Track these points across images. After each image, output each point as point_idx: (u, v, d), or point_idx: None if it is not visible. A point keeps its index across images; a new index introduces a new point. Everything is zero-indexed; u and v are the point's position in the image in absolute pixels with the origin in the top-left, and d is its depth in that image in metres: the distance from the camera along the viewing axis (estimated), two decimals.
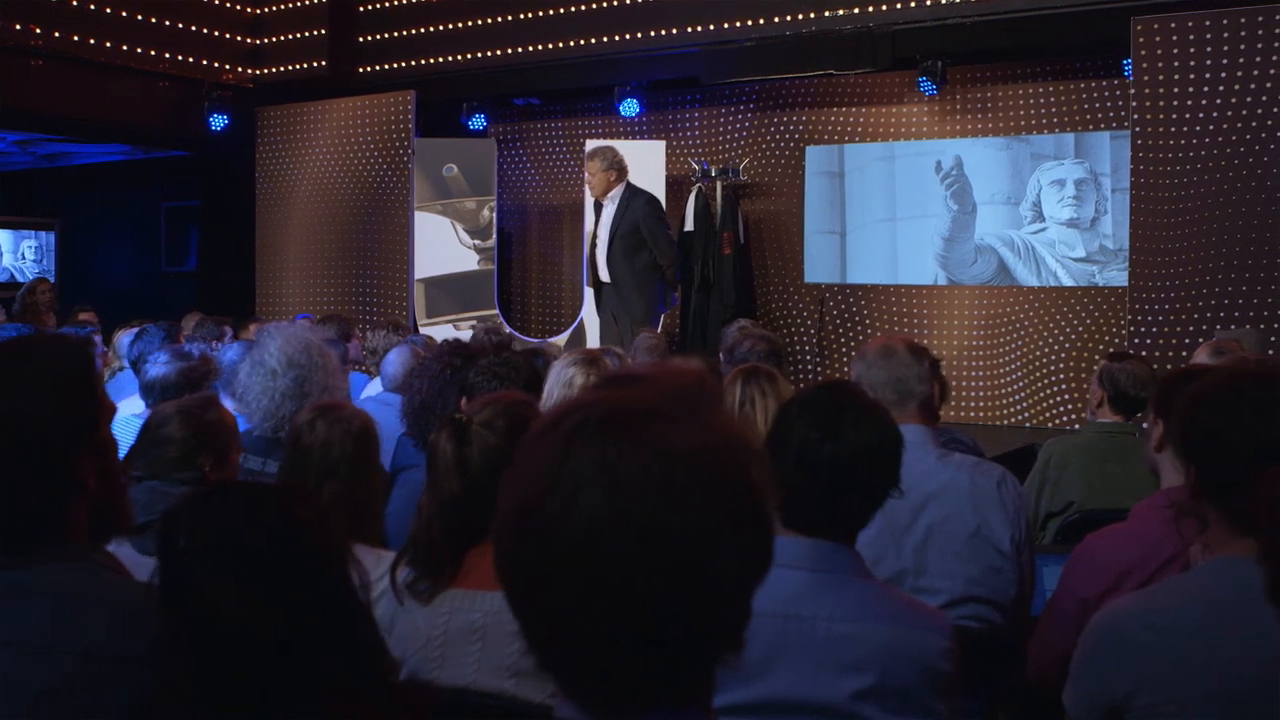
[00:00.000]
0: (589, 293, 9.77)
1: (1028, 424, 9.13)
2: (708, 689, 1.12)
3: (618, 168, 8.24)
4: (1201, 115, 7.42)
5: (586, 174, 8.46)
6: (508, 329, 10.00)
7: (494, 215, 10.11)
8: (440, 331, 9.50)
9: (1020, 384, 9.26)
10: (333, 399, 3.20)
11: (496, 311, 10.11)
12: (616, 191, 8.21)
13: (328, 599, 1.48)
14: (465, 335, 9.42)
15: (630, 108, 9.97)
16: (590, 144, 9.75)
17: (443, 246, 10.08)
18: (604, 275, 8.32)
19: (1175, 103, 7.49)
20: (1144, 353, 7.45)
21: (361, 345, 6.61)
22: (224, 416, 2.95)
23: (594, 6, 9.94)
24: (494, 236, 10.12)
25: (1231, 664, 1.78)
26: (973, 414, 9.40)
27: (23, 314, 9.52)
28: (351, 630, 1.51)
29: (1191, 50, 7.42)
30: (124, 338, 6.09)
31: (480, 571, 2.26)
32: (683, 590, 1.00)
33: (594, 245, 8.45)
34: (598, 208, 8.46)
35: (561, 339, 9.98)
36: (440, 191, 10.09)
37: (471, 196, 10.07)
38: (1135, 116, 7.64)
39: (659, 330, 9.30)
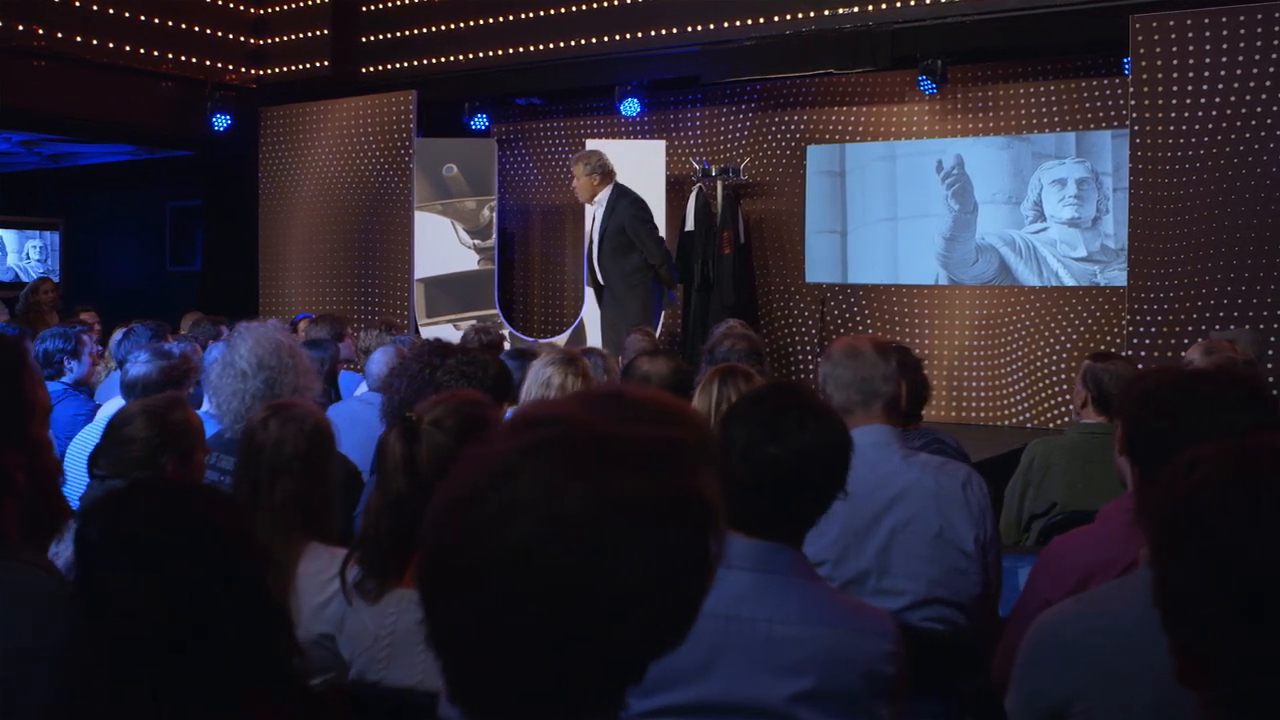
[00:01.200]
0: (589, 293, 9.76)
1: (1029, 424, 9.09)
2: (606, 710, 1.10)
3: (601, 171, 8.19)
4: (1200, 114, 7.37)
5: (574, 178, 8.38)
6: (508, 328, 10.00)
7: (494, 215, 10.11)
8: (440, 331, 9.51)
9: (1021, 384, 9.22)
10: (302, 400, 3.19)
11: (497, 311, 10.11)
12: (604, 194, 8.18)
13: (237, 600, 1.47)
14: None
15: (631, 107, 9.96)
16: (589, 144, 9.74)
17: (443, 246, 10.08)
18: (599, 278, 8.33)
19: (1174, 101, 7.44)
20: (1143, 353, 7.43)
21: (354, 345, 6.61)
22: (189, 417, 2.95)
23: (594, 6, 9.93)
24: (494, 236, 10.12)
25: (1166, 669, 1.75)
26: (973, 414, 9.36)
27: (26, 313, 9.55)
28: (263, 633, 1.50)
29: (1190, 49, 7.38)
30: (116, 337, 6.11)
31: None
32: (588, 630, 0.99)
33: (589, 248, 8.42)
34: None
35: (562, 339, 9.97)
36: (440, 191, 10.10)
37: (471, 196, 10.08)
38: (1134, 115, 7.60)
39: (659, 329, 9.29)
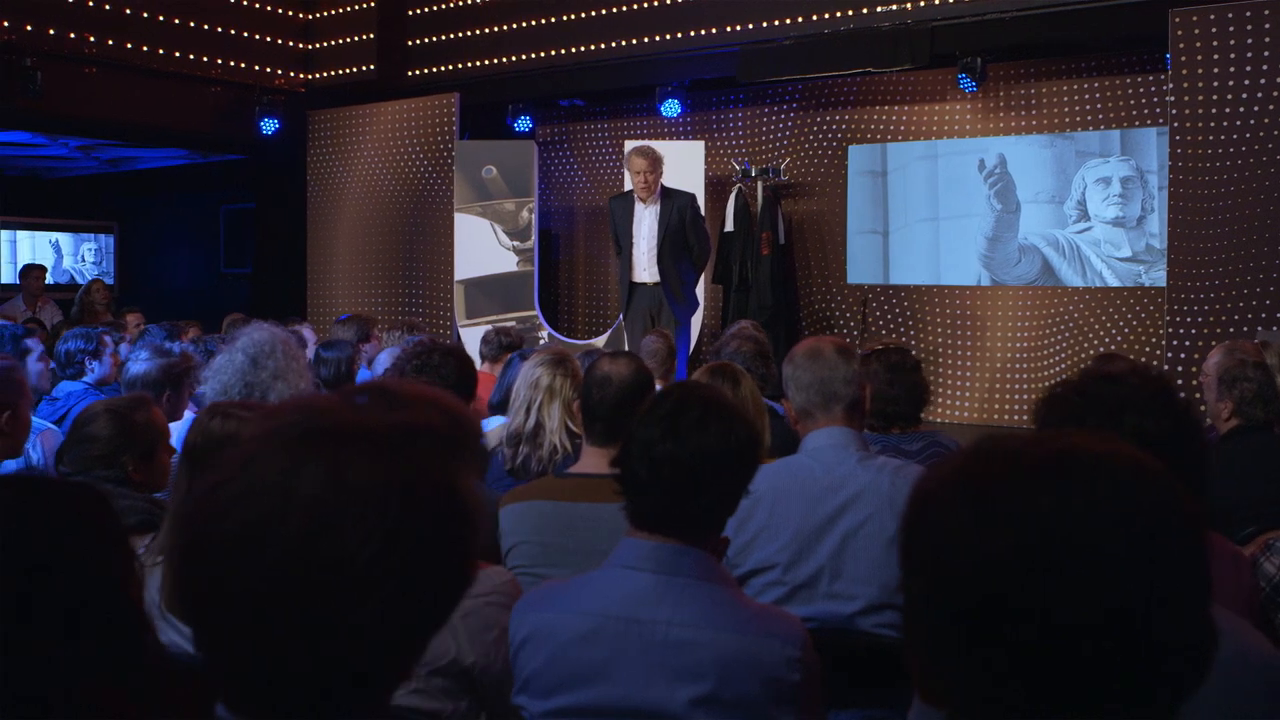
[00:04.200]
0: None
1: None
2: (377, 700, 1.09)
3: (662, 167, 8.12)
4: (1242, 110, 7.18)
5: (638, 173, 8.03)
6: (547, 329, 10.03)
7: (533, 216, 10.14)
8: (479, 332, 9.55)
9: None
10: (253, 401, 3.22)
11: (537, 312, 10.13)
12: (657, 193, 8.11)
13: (86, 598, 1.47)
14: None
15: (672, 108, 9.92)
16: (629, 145, 9.73)
17: (482, 248, 10.13)
18: (649, 276, 8.15)
19: (1215, 97, 7.26)
20: (1183, 354, 7.26)
21: (379, 345, 6.67)
22: (153, 417, 2.98)
23: (634, 7, 9.93)
24: (533, 238, 10.14)
25: None
26: (1015, 417, 9.21)
27: (80, 314, 9.79)
28: (119, 633, 1.51)
29: (1232, 43, 7.19)
30: None
31: None
32: (328, 614, 0.99)
33: (633, 246, 8.25)
34: (628, 205, 8.26)
35: (601, 340, 9.98)
36: (480, 193, 10.15)
37: (510, 198, 10.12)
38: (1174, 112, 7.43)
39: (697, 330, 9.27)
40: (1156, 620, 0.89)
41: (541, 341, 9.43)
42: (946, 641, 0.94)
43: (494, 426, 4.72)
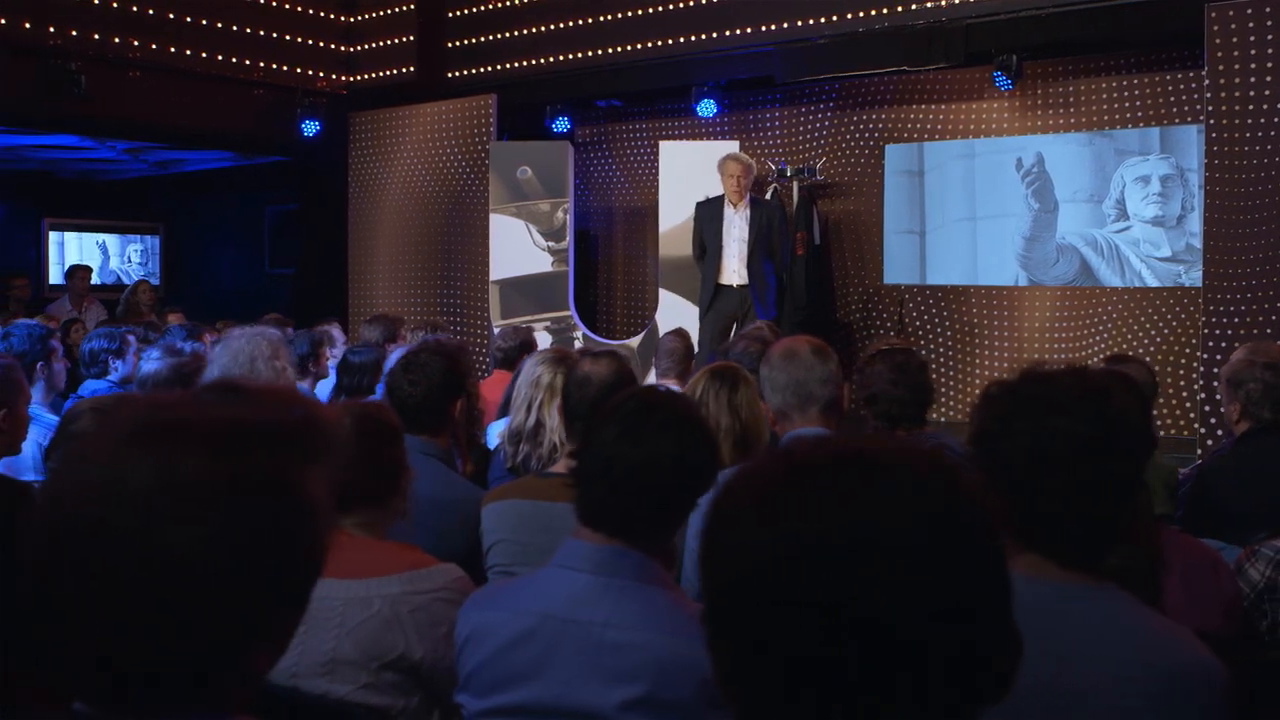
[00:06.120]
0: (664, 295, 9.76)
1: None
2: (224, 697, 1.10)
3: (753, 173, 8.63)
4: None
5: (732, 176, 8.53)
6: (581, 329, 10.06)
7: (568, 217, 10.17)
8: None
9: None
10: None
11: (572, 312, 10.15)
12: (747, 197, 8.53)
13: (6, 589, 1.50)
14: (544, 337, 9.51)
15: (707, 108, 9.91)
16: (664, 145, 9.78)
17: (517, 248, 10.17)
18: (738, 279, 8.51)
19: (1252, 93, 7.12)
20: (1219, 355, 7.13)
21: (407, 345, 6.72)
22: None
23: (670, 8, 9.93)
24: (569, 238, 10.17)
25: None
26: None
27: (125, 314, 9.97)
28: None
29: (1270, 38, 7.05)
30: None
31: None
32: (163, 609, 1.00)
33: (720, 249, 8.55)
34: (716, 210, 8.55)
35: (635, 341, 9.99)
36: (514, 194, 10.20)
37: (545, 198, 10.15)
38: (1210, 109, 7.29)
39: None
40: (943, 624, 0.88)
41: (576, 343, 9.46)
42: (734, 645, 0.93)
43: (502, 426, 4.76)
